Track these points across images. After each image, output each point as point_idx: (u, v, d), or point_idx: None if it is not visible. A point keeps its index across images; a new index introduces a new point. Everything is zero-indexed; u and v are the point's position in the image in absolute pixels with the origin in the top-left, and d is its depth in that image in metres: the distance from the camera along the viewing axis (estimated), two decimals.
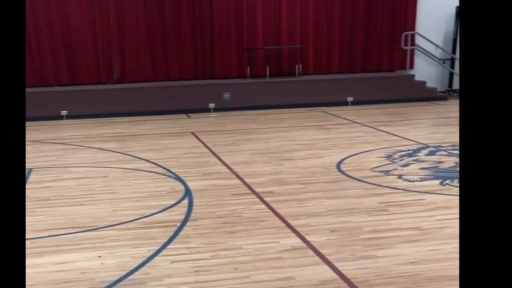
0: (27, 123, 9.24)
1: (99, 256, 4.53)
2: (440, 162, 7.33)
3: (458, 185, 6.29)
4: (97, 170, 7.35)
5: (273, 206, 5.71)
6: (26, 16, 11.04)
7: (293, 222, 5.20)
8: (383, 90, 13.47)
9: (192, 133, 9.99)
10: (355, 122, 10.77)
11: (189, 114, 12.17)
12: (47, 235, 5.03)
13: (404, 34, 13.99)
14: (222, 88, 12.76)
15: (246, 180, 6.71)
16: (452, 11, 14.30)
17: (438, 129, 10.05)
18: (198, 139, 9.40)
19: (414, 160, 7.49)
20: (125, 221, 5.37)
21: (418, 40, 14.36)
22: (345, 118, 11.28)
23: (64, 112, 11.80)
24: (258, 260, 4.39)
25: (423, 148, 8.22)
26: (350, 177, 6.78)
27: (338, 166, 7.32)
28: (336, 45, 14.18)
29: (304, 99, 12.94)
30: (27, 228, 4.90)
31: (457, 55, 14.16)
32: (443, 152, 7.93)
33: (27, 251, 4.24)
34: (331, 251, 4.50)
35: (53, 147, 8.99)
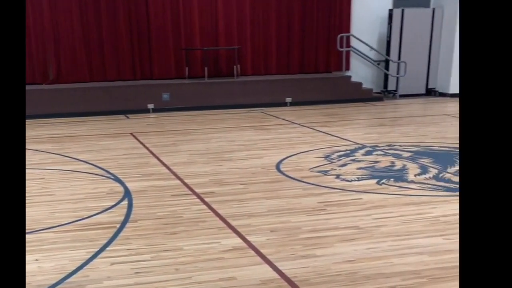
0: None
1: (36, 260, 4.46)
2: (376, 162, 7.49)
3: (393, 184, 6.44)
4: (34, 172, 7.21)
5: (214, 206, 5.73)
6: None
7: (233, 223, 5.23)
8: (321, 91, 13.66)
9: (131, 134, 9.91)
10: (294, 123, 10.89)
11: (128, 115, 12.06)
12: None
13: (339, 36, 14.19)
14: (160, 88, 12.69)
15: (186, 181, 6.71)
16: (385, 13, 14.61)
17: (374, 129, 10.26)
18: (137, 140, 9.33)
19: (351, 160, 7.62)
20: (63, 223, 5.30)
21: (353, 42, 14.61)
22: (283, 119, 11.39)
23: None
24: (199, 260, 4.40)
25: (360, 148, 8.38)
26: (289, 177, 6.86)
27: (277, 166, 7.39)
28: (273, 47, 14.29)
29: (243, 99, 13.00)
30: None
31: (391, 57, 14.47)
32: (379, 152, 8.10)
33: None
34: (271, 251, 4.55)
35: None
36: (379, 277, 4.06)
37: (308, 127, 10.42)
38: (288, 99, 13.31)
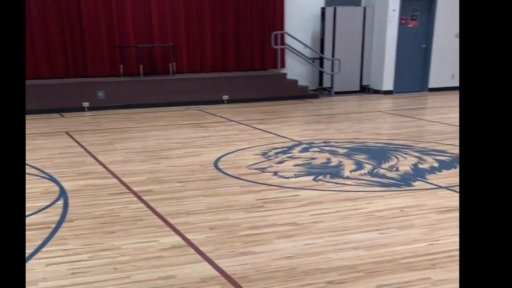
0: None
1: None
2: (313, 159, 7.58)
3: (330, 180, 6.54)
4: None
5: (152, 204, 5.69)
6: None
7: (172, 221, 5.22)
8: (257, 88, 13.73)
9: (66, 132, 9.73)
10: (231, 120, 10.91)
11: (63, 114, 11.84)
12: None
13: (273, 33, 14.28)
14: (95, 86, 12.50)
15: (123, 179, 6.64)
16: (318, 11, 14.80)
17: (310, 126, 10.38)
18: (73, 138, 9.18)
19: (288, 157, 7.70)
20: None
21: (288, 40, 14.74)
22: (221, 116, 11.40)
23: None
24: (138, 259, 4.37)
25: (297, 145, 8.47)
26: (227, 174, 6.88)
27: (215, 164, 7.40)
28: (208, 44, 14.26)
29: (180, 97, 12.95)
30: None
31: (325, 54, 14.66)
32: (315, 149, 8.20)
33: None
34: (211, 248, 4.56)
35: None
36: (317, 272, 4.12)
37: (245, 124, 10.46)
38: (225, 97, 13.33)
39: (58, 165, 7.36)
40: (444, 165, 7.20)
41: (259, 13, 14.51)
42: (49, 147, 8.52)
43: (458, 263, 4.21)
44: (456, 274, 4.02)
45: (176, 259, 4.36)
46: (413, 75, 15.36)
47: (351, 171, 6.92)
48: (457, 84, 15.52)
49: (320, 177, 6.71)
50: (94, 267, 4.22)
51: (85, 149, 8.31)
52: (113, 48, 13.41)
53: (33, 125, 10.55)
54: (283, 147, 8.34)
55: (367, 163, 7.28)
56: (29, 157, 7.78)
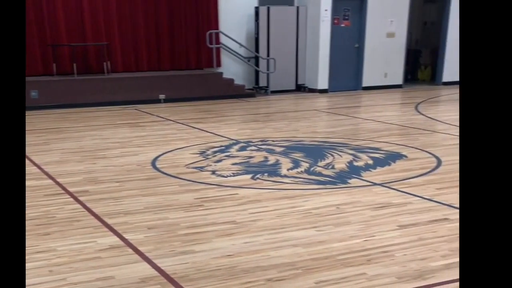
0: None
1: None
2: (250, 157, 7.63)
3: (268, 178, 6.60)
4: None
5: (89, 205, 5.62)
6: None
7: (109, 221, 5.17)
8: (194, 87, 13.70)
9: None
10: (169, 120, 10.86)
11: None
12: None
13: (208, 32, 14.28)
14: (28, 85, 12.18)
15: (59, 180, 6.53)
16: (252, 11, 14.87)
17: (247, 125, 10.43)
18: None
19: (226, 156, 7.72)
20: None
21: (223, 39, 14.76)
22: (158, 116, 11.33)
23: None
24: (75, 261, 4.31)
25: (234, 144, 8.50)
26: (165, 174, 6.85)
27: (153, 163, 7.36)
28: (143, 43, 14.13)
29: (116, 97, 12.80)
30: None
31: (260, 54, 14.74)
32: (253, 147, 8.25)
33: None
34: (150, 248, 4.54)
35: None
36: (257, 270, 4.15)
37: (182, 123, 10.43)
38: (162, 96, 13.25)
39: None
40: (378, 163, 7.36)
41: (193, 12, 14.46)
42: None
43: (392, 258, 4.33)
44: (390, 269, 4.13)
45: (114, 260, 4.33)
46: (347, 74, 15.60)
47: (288, 170, 7.00)
48: (389, 82, 15.89)
49: (258, 175, 6.75)
50: (29, 270, 4.12)
51: None
52: (45, 47, 13.12)
53: None
54: (221, 146, 8.36)
55: (304, 161, 7.37)
56: None
